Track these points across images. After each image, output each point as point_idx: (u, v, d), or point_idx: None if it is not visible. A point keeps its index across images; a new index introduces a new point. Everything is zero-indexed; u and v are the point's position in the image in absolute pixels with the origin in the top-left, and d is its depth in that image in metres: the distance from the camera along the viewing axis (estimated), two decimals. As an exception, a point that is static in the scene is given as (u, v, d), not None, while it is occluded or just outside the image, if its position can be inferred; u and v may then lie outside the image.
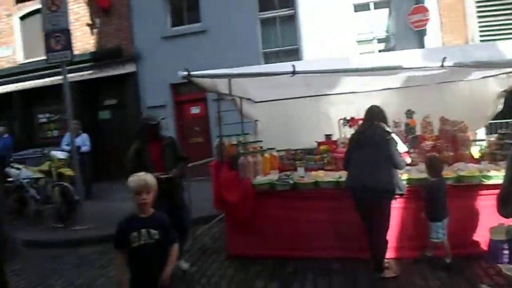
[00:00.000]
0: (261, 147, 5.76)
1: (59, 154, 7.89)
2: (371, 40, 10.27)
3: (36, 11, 11.69)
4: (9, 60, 12.54)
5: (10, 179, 7.59)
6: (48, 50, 6.95)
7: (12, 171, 7.65)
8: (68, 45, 6.92)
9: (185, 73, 4.25)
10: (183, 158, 4.63)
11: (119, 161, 11.43)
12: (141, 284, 2.64)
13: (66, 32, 6.95)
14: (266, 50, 10.83)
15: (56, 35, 6.94)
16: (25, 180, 7.40)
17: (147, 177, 2.75)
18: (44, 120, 12.61)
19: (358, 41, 10.25)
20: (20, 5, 12.56)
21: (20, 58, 12.44)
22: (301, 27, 10.40)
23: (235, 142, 5.45)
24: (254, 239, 4.85)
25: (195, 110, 11.34)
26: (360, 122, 4.48)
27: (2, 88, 12.48)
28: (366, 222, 4.01)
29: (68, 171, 7.51)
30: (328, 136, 6.00)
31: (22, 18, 12.66)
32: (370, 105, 4.22)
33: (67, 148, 8.97)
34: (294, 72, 4.14)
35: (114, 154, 11.56)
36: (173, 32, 11.17)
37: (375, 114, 4.08)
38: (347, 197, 4.06)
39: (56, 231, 6.88)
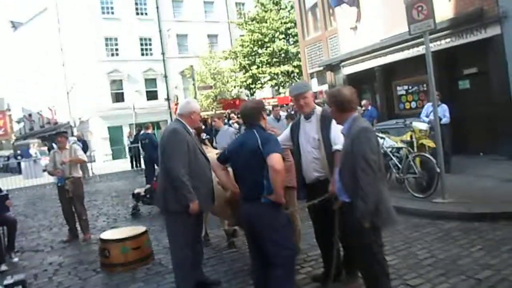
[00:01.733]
0: None
1: (420, 125, 7.94)
2: None
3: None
4: (371, 37, 13.55)
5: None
6: (411, 21, 6.98)
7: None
8: (431, 13, 6.73)
9: None
10: None
11: (478, 133, 10.74)
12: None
13: (428, 1, 6.78)
14: None
15: (418, 5, 6.87)
16: (388, 149, 7.80)
17: None
18: (403, 92, 13.04)
19: None
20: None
21: (381, 34, 13.20)
22: None
23: None
24: None
25: None
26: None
27: (366, 64, 13.69)
28: None
29: (429, 143, 7.47)
30: None
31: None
32: None
33: (427, 119, 8.96)
34: None
35: (473, 126, 10.77)
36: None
37: None
38: None
39: (417, 201, 7.00)
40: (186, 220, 3.96)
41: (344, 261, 4.06)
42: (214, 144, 9.41)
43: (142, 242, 5.40)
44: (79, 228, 7.29)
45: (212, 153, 5.45)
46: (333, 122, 3.80)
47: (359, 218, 3.01)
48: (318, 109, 4.03)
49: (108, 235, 5.60)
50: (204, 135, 11.82)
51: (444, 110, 9.12)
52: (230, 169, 3.88)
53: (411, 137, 7.85)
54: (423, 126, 7.95)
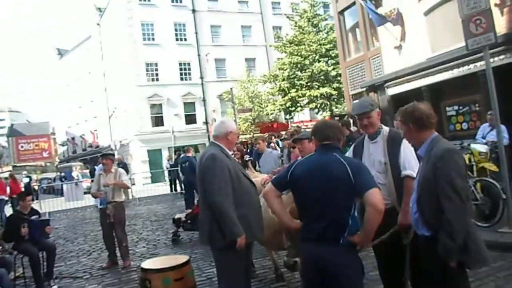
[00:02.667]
0: None
1: (479, 147, 7.33)
2: None
3: (437, 5, 11.61)
4: (416, 56, 13.03)
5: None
6: (468, 35, 6.51)
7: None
8: (491, 26, 6.25)
9: None
10: None
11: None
12: None
13: (487, 12, 6.31)
14: None
15: (476, 18, 6.41)
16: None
17: None
18: (453, 112, 12.35)
19: None
20: (423, 1, 12.82)
21: (428, 52, 12.67)
22: None
23: None
24: None
25: None
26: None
27: (412, 84, 13.13)
28: None
29: (491, 166, 6.86)
30: None
31: (426, 13, 12.86)
32: None
33: (484, 140, 8.32)
34: None
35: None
36: None
37: None
38: None
39: (480, 231, 6.35)
40: (236, 255, 3.54)
41: None
42: (257, 168, 9.12)
43: (185, 272, 5.03)
44: (118, 254, 7.07)
45: (257, 177, 5.13)
46: (403, 144, 3.40)
47: (444, 256, 2.57)
48: (385, 129, 3.60)
49: (149, 264, 5.29)
50: (247, 157, 11.58)
51: (503, 131, 8.45)
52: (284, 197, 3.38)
53: (469, 160, 7.26)
54: (483, 148, 7.35)
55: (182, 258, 5.34)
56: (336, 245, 2.69)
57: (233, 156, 9.15)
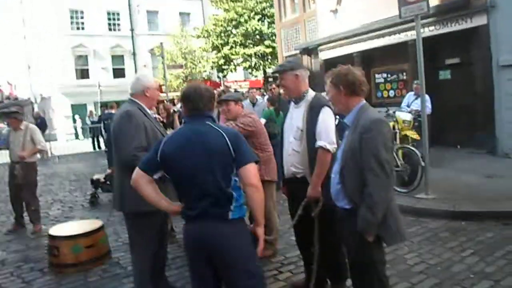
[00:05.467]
0: None
1: (404, 116, 7.51)
2: None
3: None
4: (351, 22, 13.04)
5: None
6: (402, 3, 6.47)
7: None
8: (425, -4, 6.25)
9: None
10: None
11: (456, 125, 10.48)
12: None
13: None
14: None
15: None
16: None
17: None
18: (381, 80, 12.64)
19: None
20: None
21: (363, 19, 12.70)
22: None
23: None
24: None
25: None
26: None
27: (345, 49, 13.20)
28: None
29: (413, 134, 7.06)
30: None
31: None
32: None
33: (408, 109, 8.56)
34: None
35: (451, 118, 10.48)
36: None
37: None
38: None
39: (397, 195, 6.58)
40: (149, 223, 3.25)
41: (328, 268, 3.49)
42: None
43: (97, 239, 4.72)
44: (28, 218, 6.49)
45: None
46: (323, 112, 3.21)
47: (362, 230, 2.47)
48: (311, 94, 3.37)
49: (57, 230, 4.87)
50: (176, 108, 11.02)
51: (426, 101, 8.73)
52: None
53: (393, 127, 7.42)
54: (407, 116, 7.54)
55: (95, 223, 5.00)
56: (225, 221, 2.41)
57: (160, 114, 8.68)
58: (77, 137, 27.45)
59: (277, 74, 3.46)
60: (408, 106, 8.81)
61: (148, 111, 3.44)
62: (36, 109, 24.48)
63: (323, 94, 3.33)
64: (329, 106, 3.22)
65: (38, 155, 6.64)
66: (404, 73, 11.84)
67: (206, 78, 29.25)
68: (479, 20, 9.51)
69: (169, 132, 5.63)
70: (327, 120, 3.18)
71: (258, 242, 2.47)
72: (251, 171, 2.38)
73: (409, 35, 10.75)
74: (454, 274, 3.95)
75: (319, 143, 3.15)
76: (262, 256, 4.27)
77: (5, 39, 37.78)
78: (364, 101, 2.69)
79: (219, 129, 2.45)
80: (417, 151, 6.61)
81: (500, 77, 9.29)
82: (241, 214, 2.48)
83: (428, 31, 10.50)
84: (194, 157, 2.40)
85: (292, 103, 3.48)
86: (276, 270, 4.26)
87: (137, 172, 2.49)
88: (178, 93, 25.26)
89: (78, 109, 28.71)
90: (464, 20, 9.82)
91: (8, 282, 4.45)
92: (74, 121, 27.74)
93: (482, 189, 6.66)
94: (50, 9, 28.80)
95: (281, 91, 10.39)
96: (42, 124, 16.58)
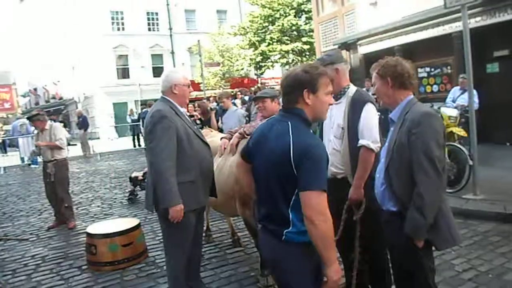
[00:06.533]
0: None
1: (449, 111, 7.11)
2: None
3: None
4: (391, 15, 12.60)
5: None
6: (448, -7, 6.12)
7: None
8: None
9: None
10: None
11: (505, 121, 9.89)
12: None
13: (468, -31, 5.92)
14: None
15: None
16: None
17: None
18: (424, 74, 12.11)
19: None
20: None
21: (403, 10, 12.23)
22: None
23: None
24: None
25: None
26: None
27: (385, 43, 12.76)
28: None
29: (460, 131, 6.69)
30: None
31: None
32: None
33: (454, 104, 8.15)
34: None
35: (499, 113, 9.90)
36: None
37: None
38: None
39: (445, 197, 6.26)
40: (183, 223, 3.15)
41: (370, 276, 3.29)
42: (219, 124, 8.72)
43: (134, 237, 4.72)
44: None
45: (214, 137, 4.73)
46: (366, 108, 3.00)
47: (411, 234, 2.27)
48: (352, 90, 3.15)
49: (95, 228, 4.92)
50: (213, 105, 10.91)
51: (473, 96, 8.28)
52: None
53: (439, 123, 7.05)
54: (453, 112, 7.13)
55: (132, 222, 5.01)
56: (279, 240, 2.05)
57: (195, 112, 8.65)
58: (119, 135, 28.16)
59: None
60: (454, 101, 8.38)
61: (180, 109, 3.35)
62: (79, 108, 25.30)
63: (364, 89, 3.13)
64: (372, 102, 3.02)
65: (65, 153, 6.74)
66: (449, 67, 11.29)
67: (243, 75, 29.28)
68: (530, 10, 8.91)
69: (206, 130, 5.60)
70: (370, 117, 2.98)
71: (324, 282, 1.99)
72: (310, 199, 1.88)
73: (453, 27, 10.24)
74: (507, 283, 3.67)
75: (362, 141, 2.95)
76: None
77: (50, 40, 39.25)
78: (412, 95, 2.48)
79: (291, 135, 1.97)
80: (464, 149, 6.26)
81: (554, 69, 8.68)
82: (302, 239, 1.99)
83: (474, 22, 9.92)
84: (260, 157, 2.12)
85: (332, 99, 3.30)
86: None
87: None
88: (216, 91, 25.46)
89: (119, 107, 29.46)
90: (513, 10, 9.23)
91: (47, 279, 4.53)
92: (117, 121, 28.48)
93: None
94: (91, 10, 29.63)
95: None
96: (84, 122, 17.04)
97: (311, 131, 2.16)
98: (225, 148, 4.23)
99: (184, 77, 3.37)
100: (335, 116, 3.18)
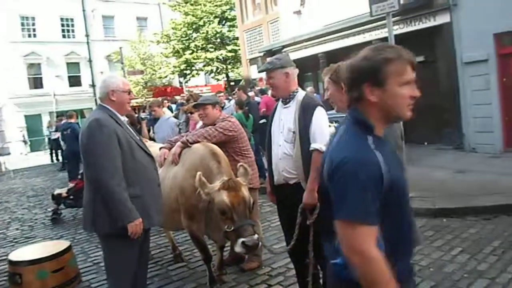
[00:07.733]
0: None
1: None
2: None
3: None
4: (315, 22, 13.03)
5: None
6: (373, 1, 6.42)
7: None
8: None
9: None
10: None
11: (422, 122, 10.59)
12: None
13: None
14: None
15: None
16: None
17: None
18: (347, 80, 12.65)
19: None
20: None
21: (324, 19, 12.70)
22: None
23: None
24: None
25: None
26: None
27: (310, 51, 13.15)
28: None
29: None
30: None
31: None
32: None
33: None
34: None
35: (417, 115, 10.39)
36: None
37: None
38: None
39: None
40: (127, 243, 2.87)
41: (324, 282, 3.27)
42: (151, 134, 8.39)
43: (65, 261, 4.29)
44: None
45: (153, 147, 4.46)
46: (316, 112, 2.99)
47: None
48: (301, 94, 3.13)
49: (19, 255, 4.39)
50: (143, 115, 10.44)
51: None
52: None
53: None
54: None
55: (61, 244, 4.55)
56: (329, 272, 1.70)
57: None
58: (32, 150, 26.09)
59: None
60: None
61: (120, 117, 3.08)
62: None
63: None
64: (322, 106, 3.01)
65: None
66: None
67: (166, 83, 28.63)
68: (442, 18, 9.67)
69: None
70: (321, 121, 2.97)
71: None
72: (339, 231, 1.46)
73: (373, 35, 10.82)
74: (448, 275, 3.85)
75: (314, 145, 2.92)
76: (247, 269, 4.02)
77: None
78: None
79: (332, 145, 1.60)
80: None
81: (464, 74, 9.46)
82: (350, 277, 1.47)
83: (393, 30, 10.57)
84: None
85: (280, 103, 3.24)
86: (264, 283, 3.99)
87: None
88: (138, 100, 24.60)
89: (32, 120, 27.35)
90: (427, 19, 9.97)
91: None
92: (30, 134, 26.40)
93: (457, 185, 6.72)
94: (-1, 15, 27.34)
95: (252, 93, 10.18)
96: (-7, 137, 15.55)
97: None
98: (165, 159, 4.01)
99: (124, 83, 3.10)
100: (284, 120, 3.14)
